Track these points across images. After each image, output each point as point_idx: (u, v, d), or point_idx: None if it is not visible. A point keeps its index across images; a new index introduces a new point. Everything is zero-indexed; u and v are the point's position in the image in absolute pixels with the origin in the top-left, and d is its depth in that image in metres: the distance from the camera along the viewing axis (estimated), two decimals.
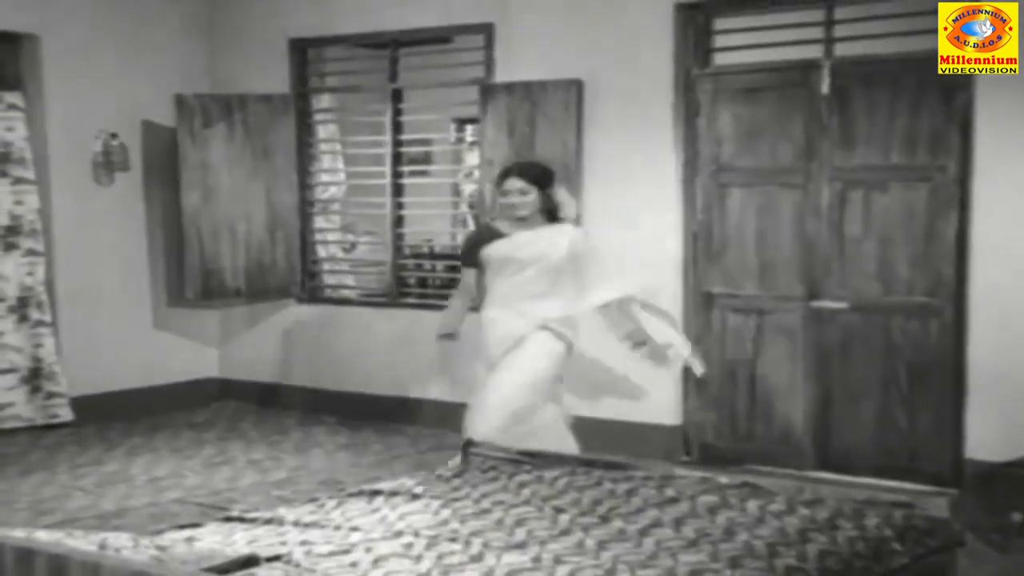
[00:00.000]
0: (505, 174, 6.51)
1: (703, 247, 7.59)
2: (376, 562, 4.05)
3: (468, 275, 6.78)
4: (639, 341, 6.64)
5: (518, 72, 8.06)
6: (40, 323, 8.38)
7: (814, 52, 7.16)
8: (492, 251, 6.50)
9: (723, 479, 5.38)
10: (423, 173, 9.79)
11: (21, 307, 8.33)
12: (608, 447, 6.93)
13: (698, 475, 5.44)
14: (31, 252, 8.37)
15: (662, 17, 7.52)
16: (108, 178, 8.80)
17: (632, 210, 7.74)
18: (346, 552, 4.14)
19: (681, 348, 6.72)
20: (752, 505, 4.89)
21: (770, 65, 7.34)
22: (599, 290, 6.53)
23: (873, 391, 7.09)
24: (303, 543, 4.34)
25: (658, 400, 7.71)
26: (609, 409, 7.81)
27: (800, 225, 7.26)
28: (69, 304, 8.57)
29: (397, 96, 8.84)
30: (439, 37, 8.83)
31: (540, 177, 6.49)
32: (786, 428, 7.38)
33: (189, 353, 9.36)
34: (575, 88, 7.79)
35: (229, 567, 3.79)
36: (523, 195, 6.41)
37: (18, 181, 8.31)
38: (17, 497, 6.72)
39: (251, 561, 3.92)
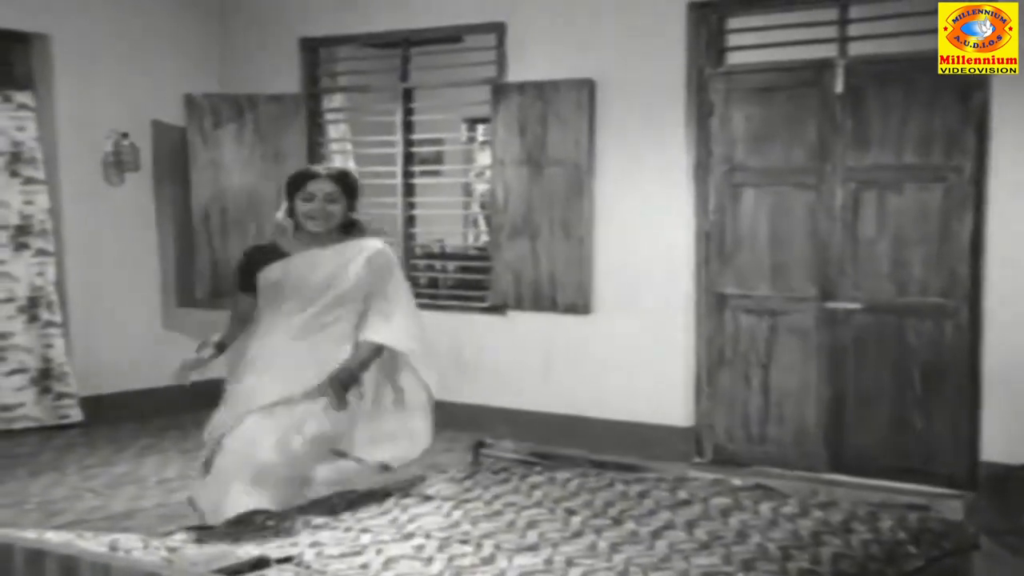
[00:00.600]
0: (310, 176, 5.10)
1: (715, 248, 7.55)
2: (387, 564, 4.03)
3: (243, 301, 5.19)
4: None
5: (530, 71, 8.02)
6: (50, 323, 8.36)
7: (828, 51, 7.12)
8: (266, 274, 5.07)
9: (736, 481, 5.36)
10: (434, 173, 9.76)
11: (31, 307, 8.31)
12: (620, 449, 6.89)
13: (711, 477, 5.41)
14: (41, 252, 8.35)
15: (675, 16, 7.48)
16: (118, 178, 8.78)
17: (644, 210, 7.71)
18: (357, 554, 4.11)
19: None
20: (765, 508, 4.87)
21: (783, 64, 7.30)
22: (382, 328, 5.17)
23: (887, 392, 7.04)
24: (313, 544, 4.32)
25: (670, 401, 7.67)
26: (621, 410, 7.78)
27: (813, 225, 7.21)
28: (79, 304, 8.55)
29: (408, 96, 8.81)
30: (450, 36, 8.79)
31: (353, 185, 5.18)
32: (799, 430, 7.34)
33: None
34: (587, 88, 7.75)
35: (240, 568, 3.78)
36: (331, 202, 5.04)
37: (29, 181, 8.29)
38: (27, 498, 6.70)
39: (262, 563, 3.90)
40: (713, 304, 7.59)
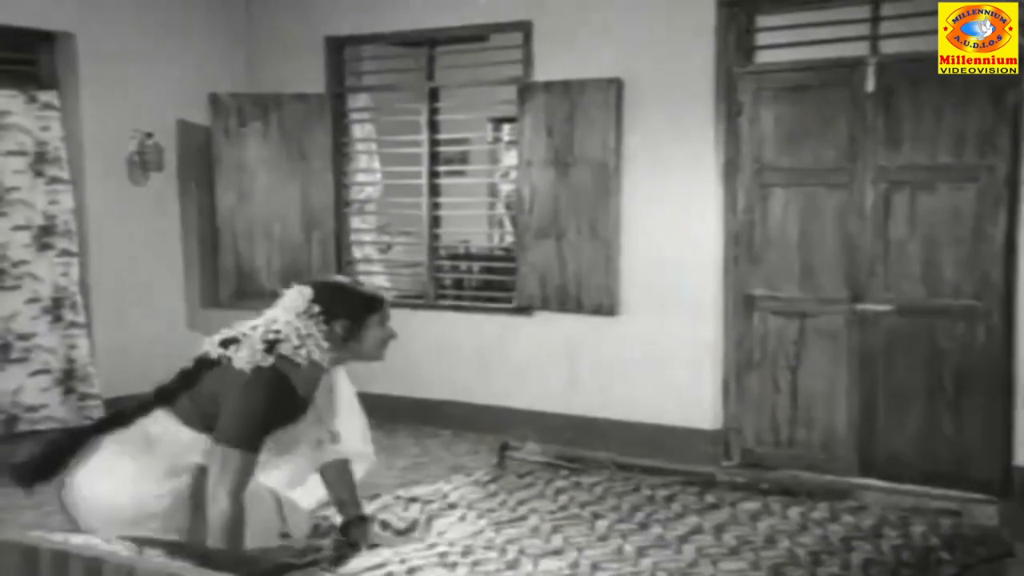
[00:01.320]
0: (383, 301, 4.33)
1: (744, 248, 7.48)
2: (411, 572, 3.98)
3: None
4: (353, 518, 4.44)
5: (556, 70, 7.97)
6: (74, 324, 8.34)
7: (859, 49, 7.03)
8: (279, 436, 4.07)
9: (764, 485, 5.30)
10: (459, 173, 9.71)
11: (55, 308, 8.29)
12: (646, 452, 6.83)
13: (739, 481, 5.35)
14: (65, 252, 8.33)
15: (704, 14, 7.42)
16: (143, 178, 8.76)
17: (672, 211, 7.65)
18: (381, 566, 4.07)
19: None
20: (794, 512, 4.81)
21: (814, 63, 7.22)
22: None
23: (918, 396, 6.96)
24: (337, 548, 4.28)
25: (697, 404, 7.61)
26: (648, 413, 7.72)
27: (843, 226, 7.13)
28: (103, 305, 8.52)
29: (434, 95, 8.76)
30: (477, 35, 8.75)
31: None
32: (828, 433, 7.26)
33: None
34: (615, 87, 7.69)
35: (264, 572, 3.74)
36: None
37: (53, 180, 8.27)
38: (51, 500, 6.64)
39: (286, 568, 3.86)
40: (741, 306, 7.51)
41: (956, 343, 6.85)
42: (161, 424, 3.97)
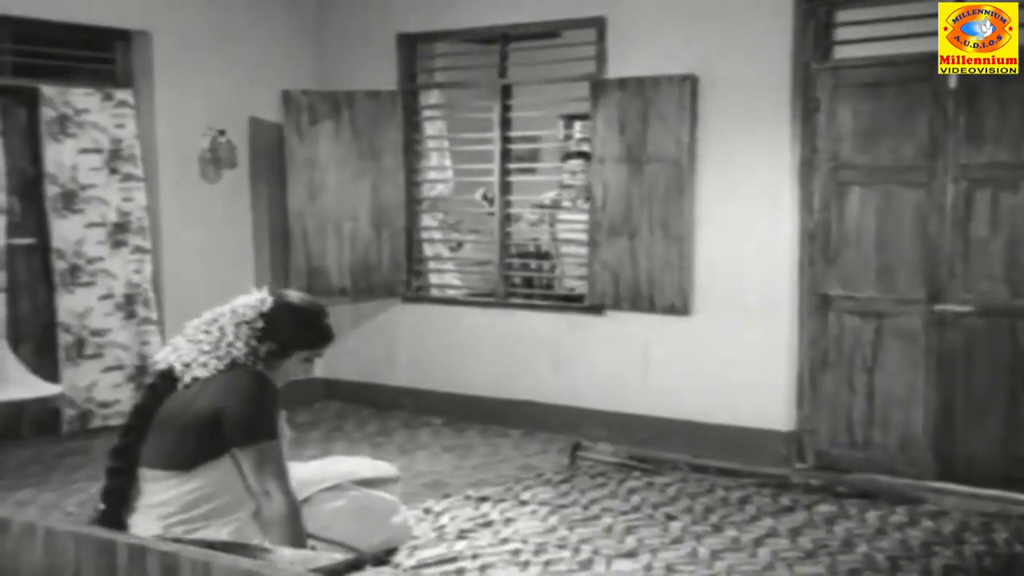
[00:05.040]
0: (324, 344, 4.41)
1: (820, 247, 7.36)
2: (483, 569, 3.96)
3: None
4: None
5: (630, 67, 7.89)
6: (146, 320, 8.40)
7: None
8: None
9: (840, 488, 5.23)
10: (531, 171, 9.67)
11: (128, 304, 8.36)
12: (719, 453, 6.76)
13: (814, 483, 5.28)
14: (138, 249, 8.39)
15: (781, 9, 7.32)
16: (215, 175, 8.80)
17: (746, 209, 7.56)
18: (453, 560, 4.05)
19: None
20: (872, 516, 4.75)
21: (894, 58, 7.09)
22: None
23: (999, 398, 6.81)
24: (410, 549, 4.27)
25: (771, 405, 7.51)
26: (721, 414, 7.64)
27: (923, 225, 7.00)
28: (175, 301, 8.57)
29: (506, 92, 8.72)
30: (549, 32, 8.70)
31: None
32: (905, 436, 7.13)
33: None
34: (689, 83, 7.61)
35: (336, 569, 3.73)
36: None
37: (127, 178, 8.33)
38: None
39: (357, 564, 3.85)
40: (817, 305, 7.40)
41: None
42: (157, 493, 3.94)
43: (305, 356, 4.25)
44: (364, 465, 4.66)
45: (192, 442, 3.90)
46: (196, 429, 3.90)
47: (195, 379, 3.96)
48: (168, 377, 4.01)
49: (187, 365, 3.98)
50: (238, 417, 3.88)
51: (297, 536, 3.90)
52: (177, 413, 3.94)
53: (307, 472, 4.37)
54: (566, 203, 9.19)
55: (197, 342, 4.02)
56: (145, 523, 3.93)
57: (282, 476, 3.92)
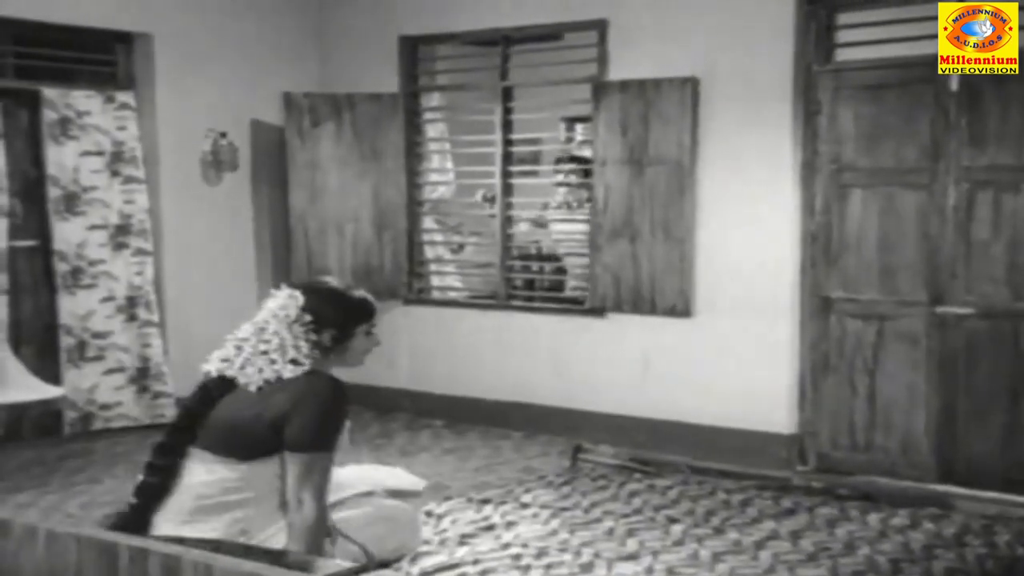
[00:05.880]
0: (373, 310, 4.32)
1: (821, 250, 7.36)
2: (484, 573, 3.96)
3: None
4: None
5: (631, 69, 7.90)
6: (148, 323, 8.40)
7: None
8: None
9: (842, 490, 5.21)
10: (532, 173, 9.67)
11: (130, 306, 8.36)
12: (720, 455, 6.75)
13: (816, 485, 5.27)
14: (140, 251, 8.40)
15: (783, 11, 7.32)
16: (217, 177, 8.81)
17: (747, 211, 7.56)
18: (455, 566, 4.05)
19: None
20: (873, 518, 4.73)
21: (896, 60, 7.09)
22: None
23: (1001, 401, 6.81)
24: (413, 557, 4.26)
25: (773, 407, 7.51)
26: (723, 416, 7.63)
27: (924, 227, 7.00)
28: (176, 304, 8.58)
29: (507, 94, 8.72)
30: (551, 34, 8.70)
31: None
32: (907, 438, 7.13)
33: None
34: (690, 85, 7.61)
35: (340, 574, 3.73)
36: None
37: (129, 180, 8.34)
38: (125, 496, 6.68)
39: (361, 569, 3.85)
40: (818, 308, 7.40)
41: None
42: (201, 474, 3.95)
43: (366, 329, 4.23)
44: (396, 476, 4.68)
45: (257, 437, 3.90)
46: (263, 426, 3.89)
47: (267, 381, 3.95)
48: (225, 382, 4.00)
49: (259, 372, 3.97)
50: (302, 422, 3.88)
51: (317, 548, 3.90)
52: (246, 410, 3.92)
53: (345, 475, 4.39)
54: (552, 208, 9.18)
55: (261, 353, 4.00)
56: (182, 500, 3.93)
57: (321, 490, 3.91)
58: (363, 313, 4.23)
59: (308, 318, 4.05)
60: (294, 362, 3.98)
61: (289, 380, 3.95)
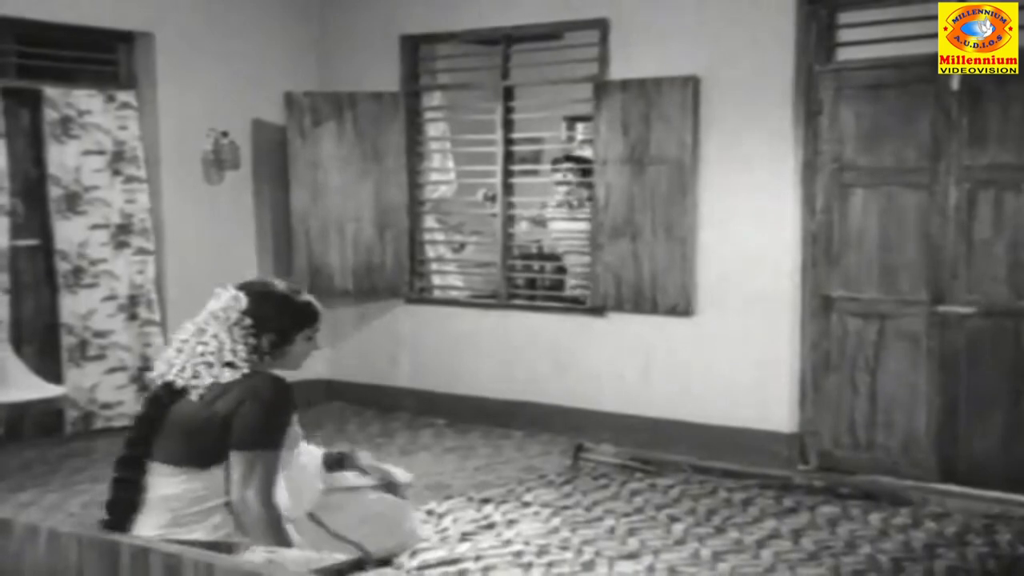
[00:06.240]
0: (316, 315, 4.29)
1: (822, 249, 7.36)
2: (486, 571, 3.96)
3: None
4: None
5: (633, 69, 7.90)
6: (149, 322, 8.41)
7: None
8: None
9: (843, 489, 5.21)
10: (533, 172, 9.67)
11: (131, 306, 8.37)
12: (722, 454, 6.75)
13: (817, 484, 5.27)
14: (141, 251, 8.40)
15: (784, 11, 7.32)
16: (218, 176, 8.81)
17: (749, 210, 7.56)
18: (456, 561, 4.05)
19: None
20: (875, 517, 4.74)
21: (897, 60, 7.09)
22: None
23: (1002, 400, 6.81)
24: (412, 552, 4.26)
25: (774, 406, 7.51)
26: (724, 415, 7.63)
27: (925, 226, 7.00)
28: (177, 303, 8.57)
29: (508, 94, 8.72)
30: (552, 33, 8.69)
31: None
32: (908, 437, 7.13)
33: None
34: (691, 85, 7.61)
35: (340, 569, 3.74)
36: None
37: (130, 180, 8.34)
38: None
39: (360, 565, 3.85)
40: (819, 307, 7.40)
41: None
42: (166, 487, 3.96)
43: (307, 335, 4.22)
44: (380, 469, 4.67)
45: (209, 443, 3.91)
46: (214, 431, 3.90)
47: (209, 387, 3.94)
48: (172, 389, 4.00)
49: (195, 377, 3.97)
50: (245, 421, 3.88)
51: (278, 539, 3.88)
52: (194, 417, 3.93)
53: (317, 467, 4.39)
54: (550, 208, 9.17)
55: (199, 355, 4.00)
56: (154, 515, 3.94)
57: (267, 488, 3.88)
58: (306, 318, 4.22)
59: (249, 321, 4.04)
60: (230, 365, 3.97)
61: (231, 383, 3.95)
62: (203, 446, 3.91)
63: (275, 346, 4.11)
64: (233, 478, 3.89)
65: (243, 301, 4.07)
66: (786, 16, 7.32)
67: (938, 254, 6.97)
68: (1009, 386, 6.79)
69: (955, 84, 6.78)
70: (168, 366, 4.04)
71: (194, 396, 3.94)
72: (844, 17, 7.38)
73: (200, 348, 4.00)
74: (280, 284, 4.31)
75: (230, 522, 3.94)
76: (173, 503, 3.91)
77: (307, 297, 4.28)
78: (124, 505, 3.98)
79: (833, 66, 7.33)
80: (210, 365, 3.96)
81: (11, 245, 7.84)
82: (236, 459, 3.88)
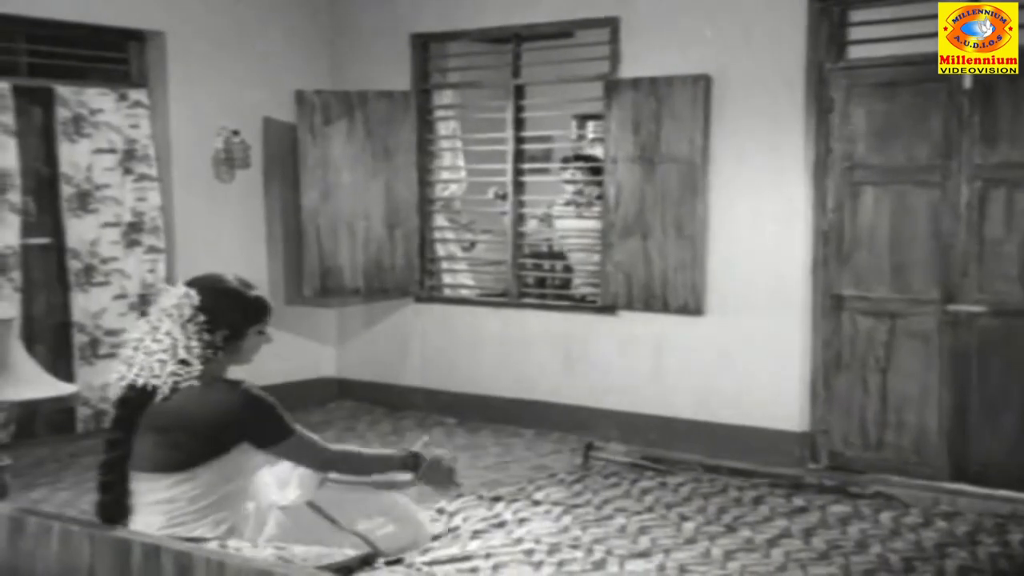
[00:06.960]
0: (267, 309, 4.42)
1: (833, 247, 7.35)
2: (496, 568, 3.96)
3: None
4: None
5: (643, 67, 7.89)
6: None
7: None
8: None
9: (854, 488, 5.22)
10: (543, 171, 9.67)
11: (142, 304, 8.35)
12: (732, 453, 6.75)
13: (828, 484, 5.27)
14: (152, 249, 8.41)
15: (795, 9, 7.31)
16: (229, 175, 8.82)
17: (760, 209, 7.55)
18: (467, 559, 4.06)
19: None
20: (886, 517, 4.74)
21: (909, 58, 7.06)
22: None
23: (1014, 399, 6.79)
24: (423, 548, 4.27)
25: (785, 405, 7.49)
26: (734, 414, 7.62)
27: (936, 225, 6.98)
28: None
29: (519, 92, 8.72)
30: (562, 32, 8.69)
31: None
32: (919, 436, 7.11)
33: (306, 352, 9.34)
34: (703, 83, 7.60)
35: (349, 566, 3.76)
36: None
37: (141, 178, 8.35)
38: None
39: (369, 561, 3.87)
40: (830, 306, 7.39)
41: None
42: (153, 493, 4.00)
43: (258, 329, 4.29)
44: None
45: (189, 446, 3.96)
46: (192, 435, 3.95)
47: (174, 390, 3.98)
48: (138, 390, 4.03)
49: (156, 377, 4.00)
50: (260, 428, 4.04)
51: (361, 466, 4.29)
52: (167, 421, 3.99)
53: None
54: (558, 206, 9.17)
55: (152, 354, 4.02)
56: (149, 519, 3.97)
57: (318, 455, 4.19)
58: (258, 313, 4.28)
59: (202, 318, 4.07)
60: (184, 363, 4.00)
61: (196, 390, 4.00)
62: (181, 451, 3.98)
63: (228, 341, 4.16)
64: (294, 464, 4.21)
65: (195, 297, 4.10)
66: (797, 14, 7.30)
67: (949, 253, 6.95)
68: (1021, 385, 6.78)
69: (967, 83, 6.76)
70: (128, 367, 4.08)
71: (159, 398, 3.97)
72: (855, 15, 7.36)
73: (155, 346, 4.03)
74: (231, 279, 4.35)
75: (231, 517, 3.98)
76: (165, 506, 3.96)
77: (256, 292, 4.34)
78: (114, 508, 4.03)
79: (844, 64, 7.32)
80: (163, 363, 3.99)
81: (23, 243, 7.84)
82: (278, 453, 4.16)
